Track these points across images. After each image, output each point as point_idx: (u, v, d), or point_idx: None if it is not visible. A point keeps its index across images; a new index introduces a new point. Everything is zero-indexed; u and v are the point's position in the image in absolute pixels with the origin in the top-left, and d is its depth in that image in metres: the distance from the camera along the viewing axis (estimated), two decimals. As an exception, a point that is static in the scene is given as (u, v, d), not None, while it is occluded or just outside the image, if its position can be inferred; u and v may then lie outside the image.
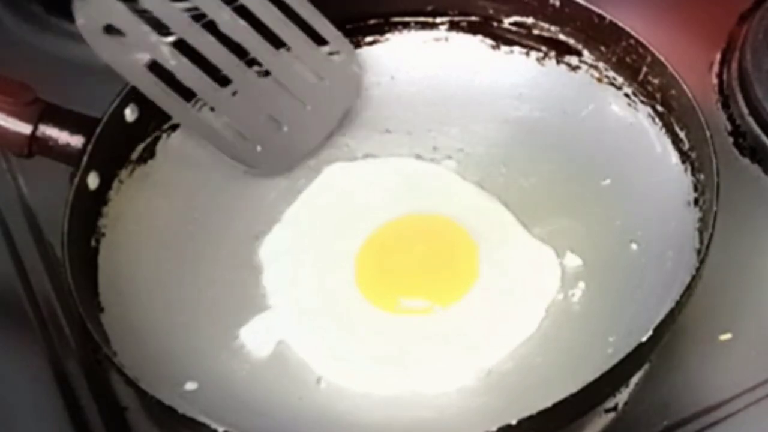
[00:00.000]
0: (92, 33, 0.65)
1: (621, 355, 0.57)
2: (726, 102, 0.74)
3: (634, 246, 0.66)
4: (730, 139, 0.72)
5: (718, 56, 0.76)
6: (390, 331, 0.64)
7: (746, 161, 0.72)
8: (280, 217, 0.69)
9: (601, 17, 0.69)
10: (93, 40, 0.65)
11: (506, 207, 0.68)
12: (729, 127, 0.73)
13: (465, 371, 0.62)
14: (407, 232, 0.68)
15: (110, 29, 0.65)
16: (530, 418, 0.55)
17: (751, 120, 0.72)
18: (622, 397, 0.63)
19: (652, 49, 0.67)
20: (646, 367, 0.63)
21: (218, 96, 0.69)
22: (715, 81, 0.75)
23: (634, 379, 0.63)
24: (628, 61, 0.69)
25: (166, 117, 0.70)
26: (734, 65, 0.74)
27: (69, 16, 0.80)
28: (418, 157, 0.71)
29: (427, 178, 0.70)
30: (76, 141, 0.65)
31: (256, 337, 0.64)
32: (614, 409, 0.63)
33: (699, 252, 0.61)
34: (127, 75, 0.67)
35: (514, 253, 0.67)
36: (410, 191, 0.70)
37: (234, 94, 0.70)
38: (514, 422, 0.55)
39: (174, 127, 0.71)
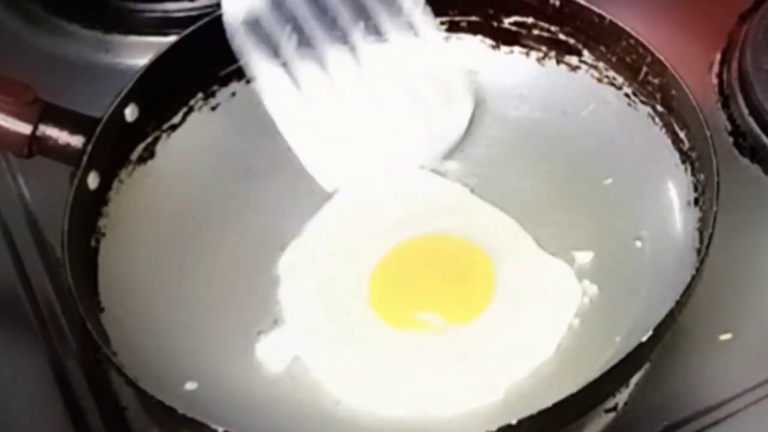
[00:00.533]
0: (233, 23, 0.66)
1: (621, 355, 0.57)
2: (726, 102, 0.74)
3: (634, 246, 0.66)
4: (730, 139, 0.72)
5: (718, 56, 0.76)
6: (404, 350, 0.64)
7: (746, 161, 0.72)
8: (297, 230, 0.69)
9: (601, 17, 0.69)
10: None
11: (518, 223, 0.68)
12: (729, 127, 0.73)
13: (481, 392, 0.62)
14: (423, 252, 0.68)
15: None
16: (530, 417, 0.55)
17: (751, 120, 0.72)
18: (622, 397, 0.63)
19: (652, 48, 0.67)
20: (646, 367, 0.63)
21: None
22: (715, 81, 0.75)
23: (634, 379, 0.63)
24: (628, 61, 0.69)
25: (166, 117, 0.70)
26: (734, 65, 0.74)
27: (69, 16, 0.81)
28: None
29: (446, 197, 0.70)
30: (76, 141, 0.65)
31: (270, 353, 0.64)
32: (614, 409, 0.63)
33: (699, 252, 0.61)
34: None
35: (531, 274, 0.66)
36: (428, 209, 0.69)
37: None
38: (514, 422, 0.55)
39: (174, 127, 0.71)
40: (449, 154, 0.71)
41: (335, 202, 0.70)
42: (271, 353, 0.64)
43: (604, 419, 0.63)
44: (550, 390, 0.60)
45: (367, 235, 0.68)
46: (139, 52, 0.77)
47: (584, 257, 0.66)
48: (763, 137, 0.71)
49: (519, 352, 0.63)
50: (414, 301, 0.65)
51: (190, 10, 0.78)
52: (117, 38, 0.80)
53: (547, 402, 0.55)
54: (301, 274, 0.67)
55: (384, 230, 0.68)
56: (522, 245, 0.67)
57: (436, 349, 0.63)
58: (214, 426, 0.56)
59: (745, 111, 0.72)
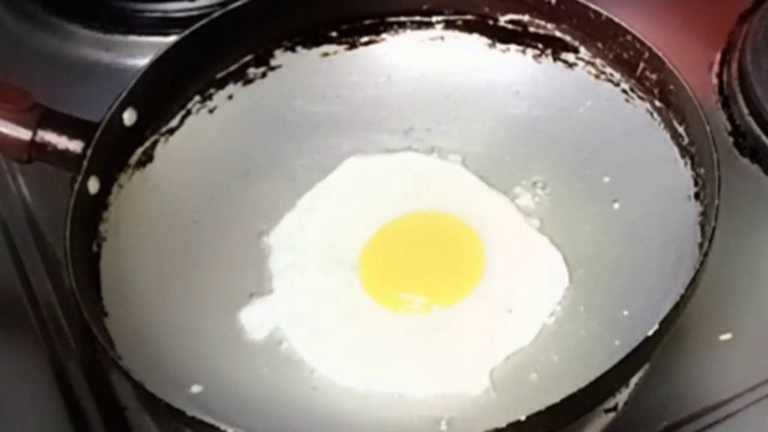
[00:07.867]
0: None
1: (627, 349, 0.57)
2: (726, 102, 0.73)
3: (634, 241, 0.65)
4: (730, 139, 0.72)
5: (718, 56, 0.76)
6: (388, 328, 0.64)
7: (746, 161, 0.71)
8: (294, 204, 0.70)
9: (598, 14, 0.69)
10: None
11: (517, 209, 0.68)
12: (729, 127, 0.73)
13: (462, 375, 0.62)
14: (414, 230, 0.68)
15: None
16: (539, 413, 0.55)
17: (751, 120, 0.72)
18: (622, 397, 0.63)
19: (649, 44, 0.67)
20: (646, 367, 0.63)
21: None
22: (715, 81, 0.75)
23: (634, 379, 0.63)
24: (626, 57, 0.69)
25: (164, 121, 0.70)
26: (734, 65, 0.74)
27: (69, 16, 0.81)
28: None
29: (444, 176, 0.70)
30: (75, 146, 0.65)
31: (254, 321, 0.65)
32: (614, 409, 0.63)
33: (701, 246, 0.61)
34: None
35: (521, 255, 0.66)
36: (424, 188, 0.70)
37: None
38: (523, 418, 0.55)
39: (172, 131, 0.71)
40: None
41: (331, 177, 0.70)
42: (254, 321, 0.65)
43: (604, 419, 0.63)
44: (533, 379, 0.61)
45: (361, 210, 0.69)
46: (139, 52, 0.77)
47: (583, 255, 0.66)
48: (763, 137, 0.71)
49: (502, 336, 0.63)
50: (402, 280, 0.66)
51: (190, 10, 0.78)
52: (117, 38, 0.80)
53: (531, 391, 0.55)
54: (293, 245, 0.67)
55: (378, 205, 0.69)
56: (515, 227, 0.67)
57: (421, 330, 0.64)
58: (224, 427, 0.56)
59: (745, 111, 0.72)
